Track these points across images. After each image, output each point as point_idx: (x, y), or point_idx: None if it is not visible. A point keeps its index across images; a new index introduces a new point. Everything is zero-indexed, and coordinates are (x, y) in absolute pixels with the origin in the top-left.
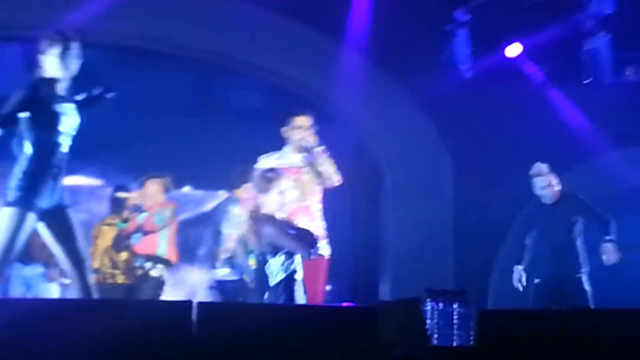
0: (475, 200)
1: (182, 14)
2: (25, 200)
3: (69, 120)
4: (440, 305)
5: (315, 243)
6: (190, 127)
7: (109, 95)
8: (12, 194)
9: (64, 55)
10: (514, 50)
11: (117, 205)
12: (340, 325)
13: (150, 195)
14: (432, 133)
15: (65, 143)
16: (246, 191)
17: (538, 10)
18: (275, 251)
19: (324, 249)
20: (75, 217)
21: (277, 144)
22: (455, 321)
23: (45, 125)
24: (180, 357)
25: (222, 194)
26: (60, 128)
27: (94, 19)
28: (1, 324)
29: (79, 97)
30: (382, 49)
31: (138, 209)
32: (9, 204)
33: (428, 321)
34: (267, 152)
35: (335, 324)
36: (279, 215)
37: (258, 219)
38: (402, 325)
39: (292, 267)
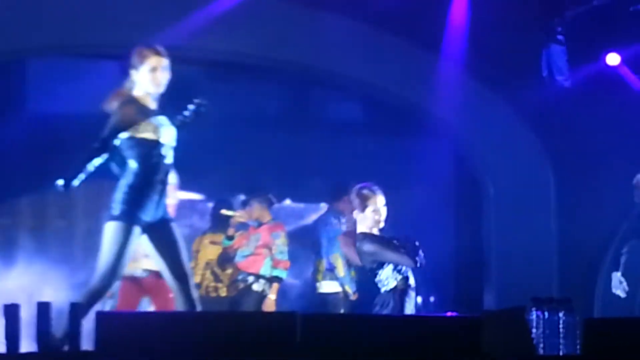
0: (578, 209)
1: (278, 29)
2: (130, 214)
3: (167, 132)
4: (546, 314)
5: (418, 252)
6: (288, 141)
7: (203, 106)
8: (117, 207)
9: (154, 70)
10: (613, 58)
11: (219, 221)
12: (445, 335)
13: (256, 213)
14: (533, 143)
15: (168, 155)
16: (345, 204)
17: (636, 18)
18: (381, 265)
19: None
20: (177, 231)
21: (375, 156)
22: (561, 330)
23: (145, 140)
24: None
25: (323, 207)
26: (161, 140)
27: (189, 36)
28: (107, 338)
29: (179, 116)
30: (479, 61)
31: (243, 227)
32: (114, 218)
33: (534, 330)
34: (365, 165)
35: (439, 334)
36: (375, 232)
37: (357, 236)
38: (507, 334)
39: (403, 274)
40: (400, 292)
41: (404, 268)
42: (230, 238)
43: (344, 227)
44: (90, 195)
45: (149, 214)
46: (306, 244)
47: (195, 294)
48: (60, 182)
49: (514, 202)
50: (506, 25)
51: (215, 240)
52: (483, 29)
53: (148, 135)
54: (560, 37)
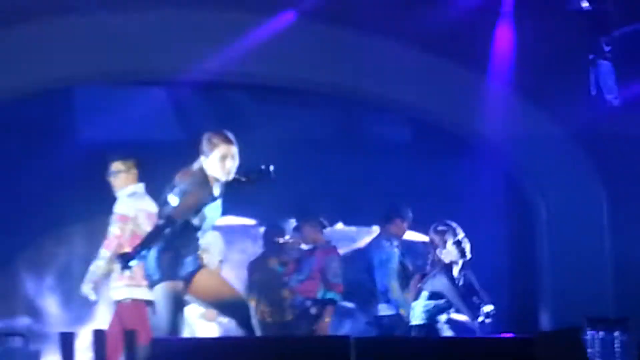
0: (631, 227)
1: (327, 52)
2: (169, 273)
3: (212, 219)
4: (601, 333)
5: (481, 307)
6: (339, 164)
7: (271, 171)
8: (155, 272)
9: (224, 159)
10: None
11: (272, 246)
12: (500, 357)
13: (310, 237)
14: (584, 162)
15: (203, 236)
16: (397, 226)
17: None
18: (431, 297)
19: None
20: (230, 256)
21: (426, 179)
22: (617, 349)
23: (191, 223)
24: None
25: (375, 230)
26: (204, 227)
27: (238, 62)
28: None
29: (242, 179)
30: (527, 80)
31: (297, 252)
32: (157, 282)
33: (589, 350)
34: (416, 187)
35: (495, 355)
36: (455, 270)
37: (439, 266)
38: (563, 355)
39: (436, 318)
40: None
41: (440, 314)
42: (284, 264)
43: (396, 250)
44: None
45: (186, 270)
46: (359, 267)
47: (255, 321)
48: (134, 262)
49: (566, 221)
50: (553, 44)
51: (270, 265)
52: (530, 48)
53: (195, 221)
54: (608, 55)
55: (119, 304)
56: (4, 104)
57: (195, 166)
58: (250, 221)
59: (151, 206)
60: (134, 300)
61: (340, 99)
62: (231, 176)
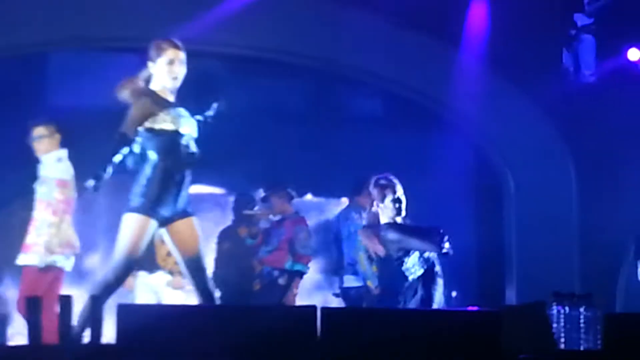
0: (599, 203)
1: (300, 23)
2: (148, 207)
3: (187, 122)
4: (567, 308)
5: (443, 238)
6: (309, 135)
7: (223, 107)
8: (136, 200)
9: (172, 63)
10: (634, 54)
11: (241, 215)
12: (465, 330)
13: (278, 208)
14: (554, 137)
15: (190, 145)
16: (366, 199)
17: None
18: (407, 252)
19: None
20: (199, 225)
21: (396, 151)
22: (582, 325)
23: (164, 130)
24: None
25: (344, 201)
26: (181, 130)
27: (211, 30)
28: (128, 330)
29: (200, 118)
30: (500, 55)
31: (266, 222)
32: (132, 210)
33: (554, 325)
34: (386, 159)
35: (460, 328)
36: (398, 220)
37: (380, 227)
38: (528, 329)
39: (429, 261)
40: (428, 279)
41: (430, 254)
42: (254, 236)
43: (364, 222)
44: (112, 189)
45: (168, 209)
46: (327, 239)
47: (212, 288)
48: (91, 182)
49: (535, 197)
50: (527, 18)
51: (240, 235)
52: (503, 23)
53: (167, 125)
54: (587, 31)
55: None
56: None
57: (140, 76)
58: (219, 190)
59: (73, 172)
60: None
61: (313, 70)
62: (178, 83)
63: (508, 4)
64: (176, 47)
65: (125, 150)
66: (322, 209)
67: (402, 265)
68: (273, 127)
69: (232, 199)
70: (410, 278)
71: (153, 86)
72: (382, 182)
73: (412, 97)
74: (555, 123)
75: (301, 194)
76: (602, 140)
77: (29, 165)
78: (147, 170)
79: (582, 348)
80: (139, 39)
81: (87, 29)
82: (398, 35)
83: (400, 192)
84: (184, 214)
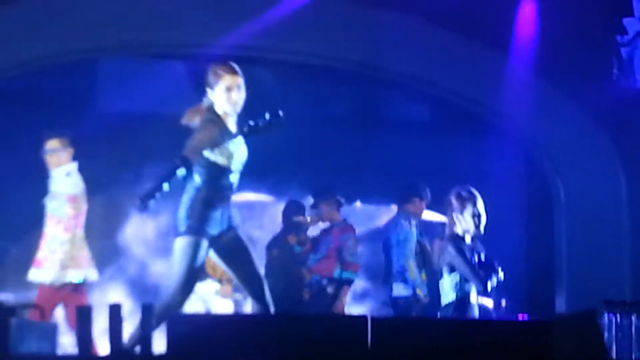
0: None
1: (346, 29)
2: (196, 229)
3: (239, 157)
4: (618, 316)
5: (495, 276)
6: (357, 142)
7: (280, 118)
8: (182, 224)
9: (229, 90)
10: None
11: (291, 223)
12: (515, 339)
13: (326, 215)
14: (604, 144)
15: (234, 179)
16: (415, 205)
17: None
18: (451, 270)
19: None
20: (248, 233)
21: (444, 157)
22: (634, 334)
23: (217, 164)
24: None
25: (393, 208)
26: (232, 167)
27: (258, 37)
28: (179, 340)
29: (251, 123)
30: (548, 61)
31: (314, 230)
32: (181, 234)
33: (606, 334)
34: (434, 165)
35: (510, 337)
36: (468, 239)
37: (447, 236)
38: (579, 339)
39: (466, 289)
40: (460, 306)
41: (467, 285)
42: (302, 243)
43: (414, 230)
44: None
45: (215, 228)
46: (376, 246)
47: (268, 296)
48: (151, 202)
49: (584, 203)
50: (575, 24)
51: (289, 243)
52: (552, 28)
53: (221, 160)
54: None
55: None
56: (27, 76)
57: (204, 102)
58: (268, 198)
59: (83, 185)
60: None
61: (359, 76)
62: (238, 108)
63: (557, 10)
64: (233, 72)
65: (182, 172)
66: (371, 216)
67: (438, 281)
68: (322, 134)
69: (281, 206)
70: (443, 302)
71: (217, 110)
72: (464, 194)
73: (460, 103)
74: (605, 129)
75: (350, 202)
76: None
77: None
78: (190, 193)
79: (634, 357)
80: (189, 45)
81: (139, 35)
82: (444, 40)
83: (480, 206)
84: (230, 228)
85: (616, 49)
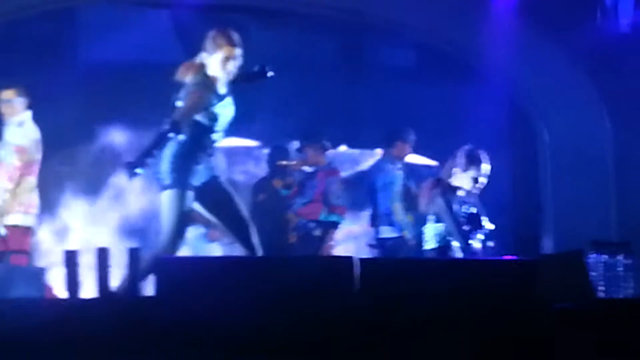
0: (635, 153)
1: None
2: (181, 181)
3: (225, 118)
4: (605, 257)
5: (480, 232)
6: (342, 87)
7: (268, 74)
8: (167, 177)
9: (227, 60)
10: None
11: (275, 168)
12: (502, 279)
13: (312, 159)
14: (588, 86)
15: (218, 136)
16: (399, 149)
17: None
18: (437, 220)
19: None
20: (234, 178)
21: (429, 102)
22: (620, 273)
23: (201, 123)
24: (342, 311)
25: (378, 152)
26: (216, 127)
27: None
28: (167, 282)
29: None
30: (532, 4)
31: (299, 174)
32: (166, 187)
33: (592, 273)
34: (419, 110)
35: (497, 277)
36: (461, 192)
37: (440, 187)
38: (565, 278)
39: (448, 240)
40: (442, 254)
41: (450, 237)
42: (288, 187)
43: (399, 173)
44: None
45: (198, 179)
46: (362, 190)
47: (255, 240)
48: (139, 170)
49: (570, 146)
50: None
51: (274, 187)
52: None
53: (207, 122)
54: None
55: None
56: (6, 23)
57: (197, 60)
58: (252, 143)
59: (38, 134)
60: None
61: (343, 22)
62: (232, 76)
63: None
64: (232, 44)
65: (172, 136)
66: (356, 160)
67: (422, 226)
68: (306, 80)
69: (266, 151)
70: (424, 247)
71: (208, 72)
72: (474, 155)
73: (443, 48)
74: (589, 73)
75: (335, 146)
76: (636, 89)
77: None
78: (173, 146)
79: (620, 296)
80: None
81: None
82: None
83: (485, 171)
84: (214, 178)
85: None
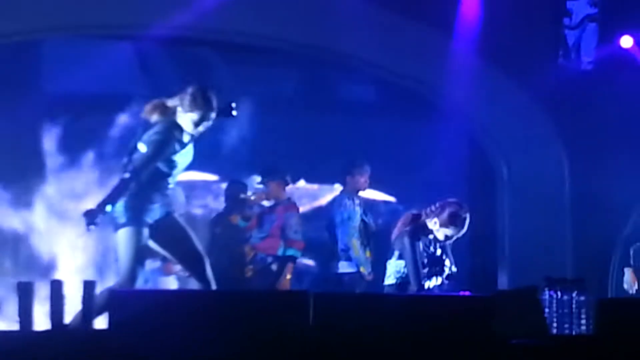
0: (592, 190)
1: (292, 10)
2: (136, 220)
3: (184, 164)
4: (559, 293)
5: (439, 277)
6: (302, 122)
7: (233, 114)
8: (122, 216)
9: (198, 123)
10: (627, 41)
11: (234, 202)
12: (457, 315)
13: (273, 193)
14: (547, 125)
15: (174, 181)
16: (355, 181)
17: None
18: (400, 257)
19: None
20: (192, 212)
21: (389, 138)
22: (574, 310)
23: (159, 169)
24: (298, 345)
25: (337, 188)
26: (174, 172)
27: (203, 17)
28: (120, 315)
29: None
30: (492, 43)
31: (257, 208)
32: (121, 226)
33: (546, 310)
34: (379, 146)
35: (452, 313)
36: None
37: (414, 224)
38: (520, 314)
39: (406, 279)
40: (400, 290)
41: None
42: (247, 219)
43: (357, 208)
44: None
45: (152, 217)
46: (321, 225)
47: (210, 273)
48: (85, 223)
49: (527, 184)
50: (520, 8)
51: (232, 222)
52: (497, 12)
53: (165, 168)
54: (596, 16)
55: None
56: None
57: (169, 103)
58: (212, 177)
59: None
60: None
61: (305, 57)
62: (198, 134)
63: None
64: (210, 109)
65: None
66: (315, 195)
67: (385, 262)
68: (266, 115)
69: (224, 185)
70: (385, 282)
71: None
72: (458, 215)
73: (405, 85)
74: (549, 111)
75: (294, 181)
76: (595, 128)
77: None
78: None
79: (574, 333)
80: (133, 26)
81: (81, 16)
82: (391, 23)
83: (460, 234)
84: (168, 214)
85: (561, 32)
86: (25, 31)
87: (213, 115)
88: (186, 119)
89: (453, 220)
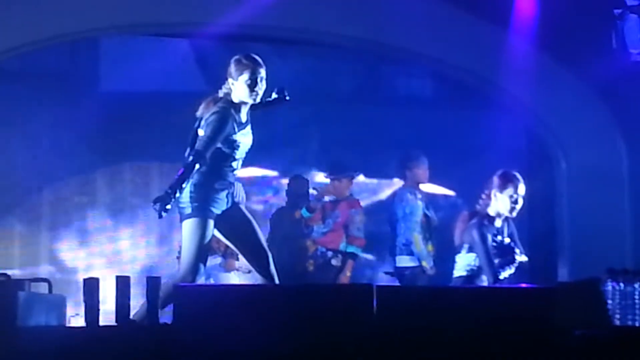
0: None
1: (348, 4)
2: (202, 210)
3: (245, 146)
4: (622, 285)
5: (512, 267)
6: (359, 117)
7: (287, 98)
8: (188, 206)
9: (252, 82)
10: None
11: (295, 197)
12: (519, 307)
13: (340, 190)
14: (605, 116)
15: (237, 164)
16: (414, 175)
17: None
18: (469, 250)
19: None
20: (254, 208)
21: (447, 131)
22: (637, 301)
23: (222, 151)
24: (361, 339)
25: (397, 182)
26: (237, 155)
27: (260, 14)
28: (186, 310)
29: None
30: (549, 34)
31: (321, 202)
32: (188, 217)
33: (609, 301)
34: (437, 139)
35: (514, 305)
36: (498, 222)
37: (476, 218)
38: (583, 305)
39: (477, 271)
40: (468, 282)
41: (480, 269)
42: (312, 210)
43: (419, 202)
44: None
45: (219, 207)
46: (381, 220)
47: (272, 268)
48: (157, 210)
49: (586, 175)
50: None
51: (294, 217)
52: (554, 3)
53: (227, 150)
54: (635, 8)
55: None
56: (27, 54)
57: (220, 93)
58: (272, 172)
59: None
60: None
61: (362, 51)
62: (258, 99)
63: None
64: (257, 64)
65: (196, 167)
66: (374, 190)
67: (455, 255)
68: (324, 110)
69: (285, 181)
70: (454, 275)
71: (234, 99)
72: (508, 174)
73: (462, 77)
74: (606, 102)
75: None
76: None
77: None
78: (194, 176)
79: (637, 324)
80: (188, 24)
81: (138, 15)
82: (446, 15)
83: (521, 191)
84: (234, 205)
85: (614, 21)
86: (83, 31)
87: (263, 72)
88: (239, 86)
89: (506, 180)
